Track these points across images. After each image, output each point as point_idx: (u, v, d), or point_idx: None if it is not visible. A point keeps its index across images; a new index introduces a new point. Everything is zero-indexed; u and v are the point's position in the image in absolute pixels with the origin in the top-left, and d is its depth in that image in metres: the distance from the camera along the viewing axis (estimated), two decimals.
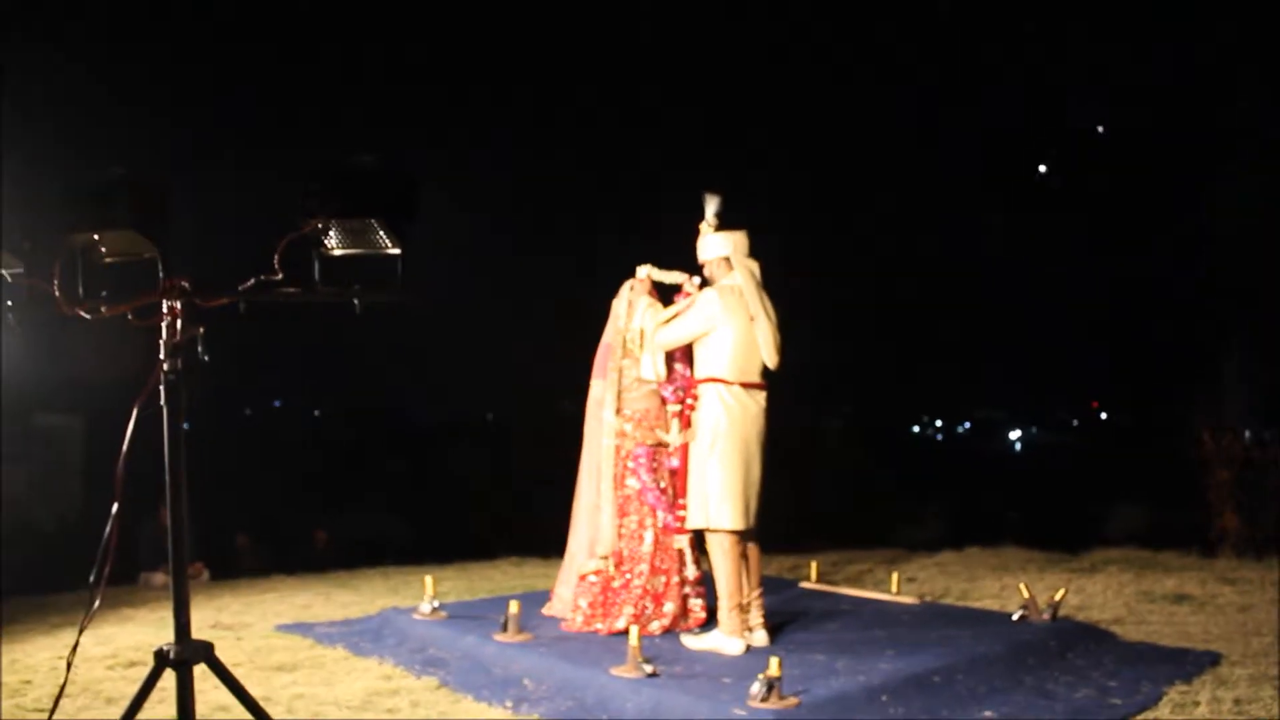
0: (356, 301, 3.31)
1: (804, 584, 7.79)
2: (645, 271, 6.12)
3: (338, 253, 3.31)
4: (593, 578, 5.98)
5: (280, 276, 3.19)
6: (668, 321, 5.79)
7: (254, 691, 4.84)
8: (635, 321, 6.03)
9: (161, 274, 3.11)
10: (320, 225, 3.22)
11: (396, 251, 3.32)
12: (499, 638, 5.64)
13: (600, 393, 6.18)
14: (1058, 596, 6.43)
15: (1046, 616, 6.33)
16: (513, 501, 11.87)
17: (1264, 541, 10.61)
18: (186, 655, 3.06)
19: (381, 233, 3.26)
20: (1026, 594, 6.45)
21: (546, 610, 6.38)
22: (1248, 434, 13.38)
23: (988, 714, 4.72)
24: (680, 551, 5.93)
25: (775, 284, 5.76)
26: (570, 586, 6.21)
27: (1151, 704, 4.94)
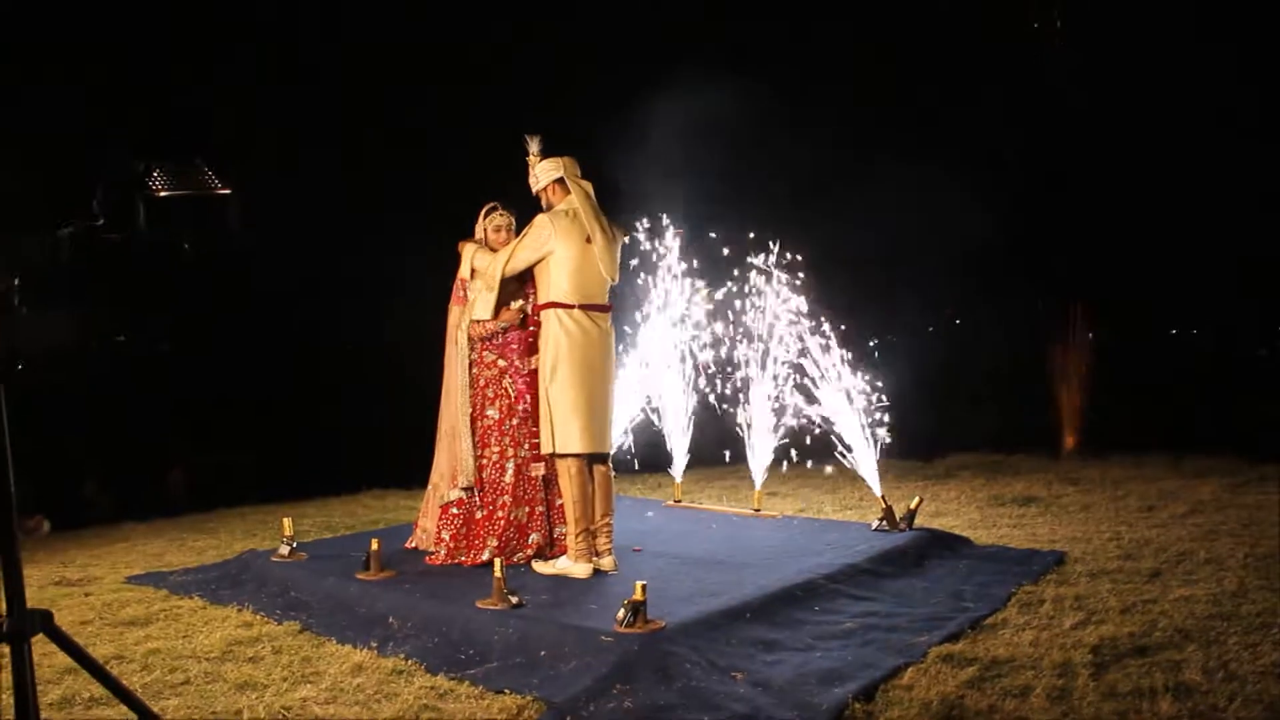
0: (186, 245, 3.14)
1: (668, 503, 7.88)
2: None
3: (163, 194, 3.13)
4: (455, 510, 5.90)
5: (101, 222, 3.00)
6: (511, 254, 5.69)
7: (105, 649, 4.72)
8: (464, 269, 5.99)
9: None
10: (143, 167, 3.03)
11: (226, 192, 3.15)
12: (361, 576, 5.54)
13: (457, 319, 6.07)
14: (913, 505, 6.64)
15: (904, 526, 6.54)
16: (375, 432, 11.63)
17: (1104, 441, 11.20)
18: (20, 627, 2.74)
19: (209, 173, 3.08)
20: (884, 504, 6.64)
21: (410, 544, 6.31)
22: (1090, 336, 14.05)
23: (848, 624, 4.84)
24: (542, 479, 5.90)
25: None
26: (433, 519, 6.12)
27: (1000, 605, 5.17)
